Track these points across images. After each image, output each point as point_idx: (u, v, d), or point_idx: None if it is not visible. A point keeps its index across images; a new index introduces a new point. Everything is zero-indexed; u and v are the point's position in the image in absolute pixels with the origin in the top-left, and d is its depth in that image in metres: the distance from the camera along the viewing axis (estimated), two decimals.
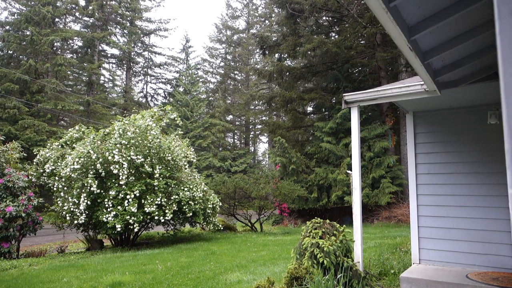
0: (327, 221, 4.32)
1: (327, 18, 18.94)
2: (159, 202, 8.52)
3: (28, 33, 26.34)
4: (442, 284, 3.87)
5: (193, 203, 9.28)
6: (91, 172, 8.38)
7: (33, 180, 9.34)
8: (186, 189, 9.28)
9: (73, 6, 29.68)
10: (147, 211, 8.29)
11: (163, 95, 41.32)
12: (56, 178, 8.95)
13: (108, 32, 32.00)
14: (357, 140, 4.34)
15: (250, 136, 40.94)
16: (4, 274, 6.16)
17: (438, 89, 3.68)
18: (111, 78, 37.63)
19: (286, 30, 18.85)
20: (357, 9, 16.13)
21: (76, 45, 32.62)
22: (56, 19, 28.99)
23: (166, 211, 8.55)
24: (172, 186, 9.13)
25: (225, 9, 59.46)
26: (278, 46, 18.13)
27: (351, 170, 4.66)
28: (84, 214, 8.24)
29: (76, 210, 8.29)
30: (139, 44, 38.31)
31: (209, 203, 10.20)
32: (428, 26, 2.58)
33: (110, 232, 8.47)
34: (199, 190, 9.71)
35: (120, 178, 8.24)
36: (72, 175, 8.32)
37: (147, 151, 8.95)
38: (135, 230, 8.78)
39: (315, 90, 18.60)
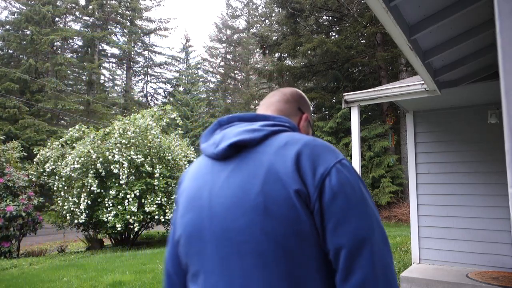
0: None
1: (327, 17, 18.94)
2: (159, 202, 8.52)
3: (28, 32, 26.33)
4: (442, 284, 3.87)
5: None
6: (91, 172, 8.38)
7: (33, 179, 9.34)
8: None
9: (73, 5, 29.66)
10: (147, 211, 8.30)
11: (163, 95, 41.33)
12: (56, 177, 8.96)
13: (108, 32, 31.99)
14: (357, 139, 4.34)
15: None
16: (4, 273, 6.16)
17: (439, 89, 3.68)
18: (111, 77, 37.65)
19: (286, 29, 18.84)
20: (357, 8, 16.12)
21: (76, 44, 32.62)
22: (56, 19, 28.99)
23: (166, 210, 8.56)
24: (172, 185, 9.14)
25: (225, 9, 59.46)
26: (278, 45, 18.13)
27: None
28: (84, 214, 8.25)
29: (76, 209, 8.29)
30: (139, 44, 38.30)
31: None
32: (429, 26, 2.58)
33: (110, 231, 8.48)
34: None
35: (120, 178, 8.25)
36: (72, 174, 8.32)
37: (147, 150, 8.95)
38: (135, 229, 8.79)
39: (315, 89, 18.60)
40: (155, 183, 8.57)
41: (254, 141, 0.83)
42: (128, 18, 35.41)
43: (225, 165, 0.85)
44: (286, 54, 19.03)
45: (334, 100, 17.59)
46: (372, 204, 0.79)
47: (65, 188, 8.77)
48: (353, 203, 0.75)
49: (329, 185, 0.75)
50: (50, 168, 9.21)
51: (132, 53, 37.25)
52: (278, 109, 1.02)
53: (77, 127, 10.31)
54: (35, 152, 10.13)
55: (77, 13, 31.24)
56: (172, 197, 8.84)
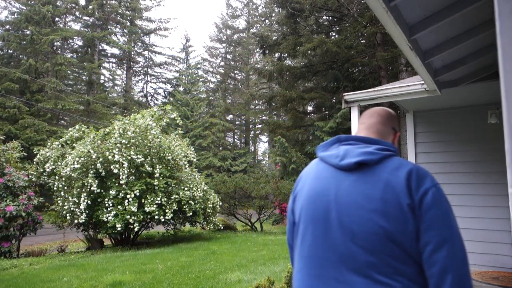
0: None
1: (327, 17, 18.94)
2: (159, 202, 8.52)
3: (28, 32, 26.32)
4: None
5: (193, 203, 9.28)
6: (91, 172, 8.38)
7: (33, 179, 9.34)
8: (186, 188, 9.28)
9: (73, 5, 29.65)
10: (147, 211, 8.30)
11: (163, 95, 41.33)
12: (56, 177, 8.96)
13: (108, 32, 31.99)
14: None
15: (250, 135, 40.94)
16: (4, 273, 6.16)
17: (439, 89, 3.68)
18: (111, 77, 37.63)
19: (286, 29, 18.85)
20: (357, 8, 16.13)
21: (76, 44, 32.62)
22: (56, 19, 28.98)
23: (166, 210, 8.56)
24: (172, 185, 9.13)
25: (225, 9, 59.47)
26: (278, 45, 18.13)
27: None
28: (84, 214, 8.25)
29: (76, 209, 8.29)
30: (139, 44, 38.29)
31: (209, 202, 10.20)
32: (429, 26, 2.58)
33: (110, 231, 8.47)
34: (199, 189, 9.72)
35: (120, 178, 8.25)
36: (72, 174, 8.32)
37: (147, 150, 8.95)
38: (135, 229, 8.79)
39: (315, 89, 18.60)
40: (155, 183, 8.57)
41: (373, 161, 1.18)
42: (128, 18, 35.41)
43: (348, 175, 1.19)
44: (286, 54, 19.02)
45: (334, 100, 17.59)
46: (453, 218, 1.12)
47: (65, 188, 8.77)
48: (440, 215, 1.09)
49: (426, 201, 1.10)
50: (50, 168, 9.21)
51: (132, 53, 37.24)
52: (378, 131, 1.37)
53: (77, 127, 10.30)
54: (35, 152, 10.12)
55: (77, 13, 31.24)
56: (172, 197, 8.83)
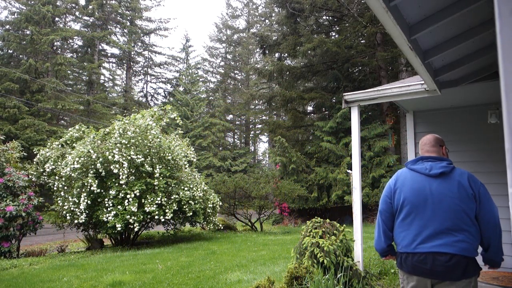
0: (327, 220, 4.32)
1: (327, 17, 18.94)
2: (159, 202, 8.52)
3: (28, 32, 26.33)
4: None
5: (193, 203, 9.28)
6: (91, 172, 8.38)
7: (33, 179, 9.34)
8: (186, 188, 9.28)
9: (73, 5, 29.65)
10: (147, 211, 8.29)
11: (163, 95, 41.33)
12: (56, 177, 8.95)
13: (108, 32, 31.98)
14: (357, 139, 4.33)
15: (250, 135, 40.93)
16: (4, 273, 6.16)
17: (439, 89, 3.68)
18: (111, 77, 37.62)
19: (286, 29, 18.85)
20: (357, 8, 16.13)
21: (76, 44, 32.62)
22: (56, 19, 28.98)
23: (166, 210, 8.55)
24: (172, 185, 9.13)
25: (225, 9, 59.50)
26: (278, 45, 18.13)
27: (351, 170, 4.65)
28: (84, 214, 8.24)
29: (76, 209, 8.29)
30: (139, 44, 38.29)
31: (209, 202, 10.20)
32: (428, 26, 2.58)
33: (110, 231, 8.47)
34: (199, 189, 9.71)
35: (120, 178, 8.24)
36: (72, 174, 8.32)
37: (147, 150, 8.95)
38: (135, 229, 8.79)
39: (315, 89, 18.60)
40: (155, 183, 8.57)
41: (448, 171, 2.23)
42: (128, 18, 35.41)
43: (435, 179, 2.24)
44: (286, 54, 19.02)
45: (334, 100, 17.58)
46: (493, 201, 2.19)
47: (65, 188, 8.77)
48: (488, 200, 2.17)
49: (480, 192, 2.18)
50: (50, 168, 9.20)
51: (132, 53, 37.24)
52: (435, 151, 2.38)
53: (77, 127, 10.30)
54: (35, 152, 10.12)
55: (77, 13, 31.23)
56: (172, 197, 8.84)
